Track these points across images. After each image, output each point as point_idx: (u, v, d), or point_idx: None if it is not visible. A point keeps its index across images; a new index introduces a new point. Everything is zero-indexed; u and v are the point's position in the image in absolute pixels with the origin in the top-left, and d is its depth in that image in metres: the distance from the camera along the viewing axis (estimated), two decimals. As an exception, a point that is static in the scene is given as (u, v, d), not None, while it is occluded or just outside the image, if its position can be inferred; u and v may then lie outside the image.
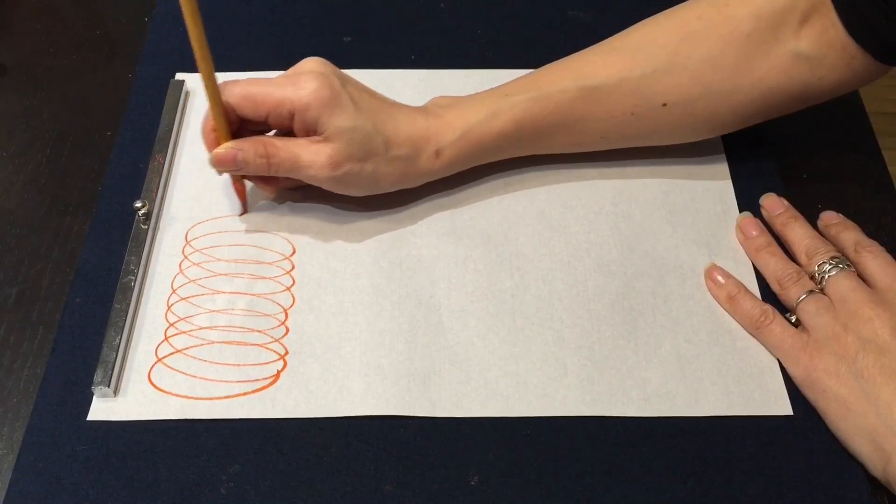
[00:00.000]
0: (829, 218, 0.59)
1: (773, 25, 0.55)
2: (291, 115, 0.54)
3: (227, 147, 0.55)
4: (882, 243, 0.55)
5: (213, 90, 0.53)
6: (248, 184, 0.60)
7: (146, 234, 0.58)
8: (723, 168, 0.63)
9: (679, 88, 0.57)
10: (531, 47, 0.70)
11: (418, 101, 0.61)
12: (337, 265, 0.58)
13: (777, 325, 0.53)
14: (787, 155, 0.64)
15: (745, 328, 0.55)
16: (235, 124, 0.56)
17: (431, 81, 0.68)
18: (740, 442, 0.51)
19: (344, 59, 0.69)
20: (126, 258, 0.56)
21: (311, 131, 0.55)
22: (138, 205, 0.58)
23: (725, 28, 0.56)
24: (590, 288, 0.57)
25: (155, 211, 0.59)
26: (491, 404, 0.52)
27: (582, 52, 0.60)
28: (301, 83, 0.54)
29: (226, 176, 0.61)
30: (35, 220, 0.60)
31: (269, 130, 0.58)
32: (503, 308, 0.56)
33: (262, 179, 0.58)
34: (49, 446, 0.50)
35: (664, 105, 0.58)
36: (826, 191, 0.62)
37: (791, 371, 0.53)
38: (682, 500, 0.49)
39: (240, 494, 0.49)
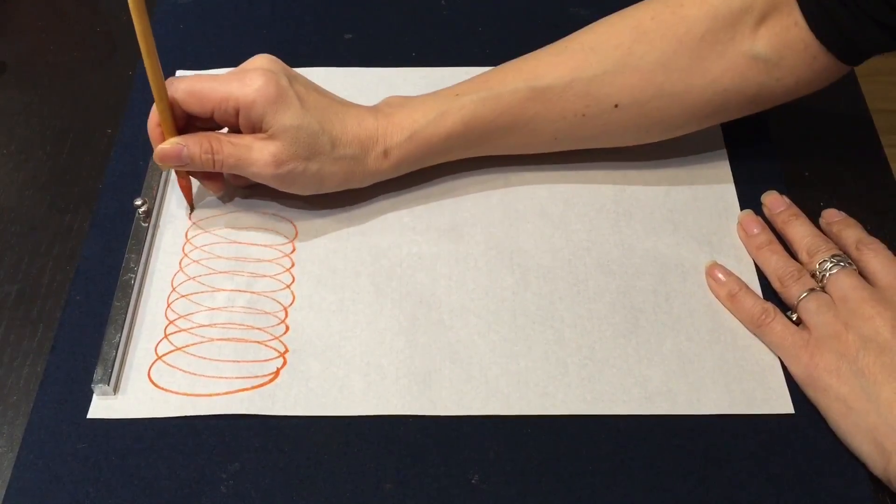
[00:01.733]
0: (830, 216, 0.58)
1: (729, 26, 0.55)
2: (237, 112, 0.54)
3: (172, 142, 0.54)
4: (884, 241, 0.55)
5: (159, 85, 0.53)
6: (196, 183, 0.60)
7: (146, 232, 0.58)
8: (724, 166, 0.63)
9: (631, 89, 0.57)
10: (532, 44, 0.70)
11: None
12: (337, 263, 0.58)
13: (778, 324, 0.53)
14: (788, 153, 0.63)
15: (746, 326, 0.55)
16: (182, 121, 0.55)
17: (432, 79, 0.67)
18: (741, 440, 0.51)
19: (345, 56, 0.70)
20: (126, 256, 0.56)
21: (256, 128, 0.55)
22: (138, 202, 0.58)
23: (680, 28, 0.55)
24: (591, 286, 0.57)
25: (155, 209, 0.59)
26: (492, 403, 0.52)
27: (536, 51, 0.59)
28: (247, 80, 0.53)
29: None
30: (35, 218, 0.60)
31: (219, 129, 0.57)
32: (504, 306, 0.56)
33: (208, 177, 0.58)
34: (49, 444, 0.50)
35: (616, 106, 0.57)
36: (828, 189, 0.62)
37: (792, 369, 0.52)
38: (683, 498, 0.49)
39: (240, 493, 0.49)
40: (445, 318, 0.55)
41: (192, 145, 0.54)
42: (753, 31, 0.55)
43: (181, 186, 0.59)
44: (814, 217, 0.58)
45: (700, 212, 0.60)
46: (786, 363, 0.53)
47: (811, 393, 0.51)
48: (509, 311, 0.55)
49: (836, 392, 0.50)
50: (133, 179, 0.61)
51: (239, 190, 0.60)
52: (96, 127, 0.65)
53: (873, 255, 0.54)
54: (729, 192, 0.61)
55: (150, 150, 0.61)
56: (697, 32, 0.55)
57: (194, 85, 0.54)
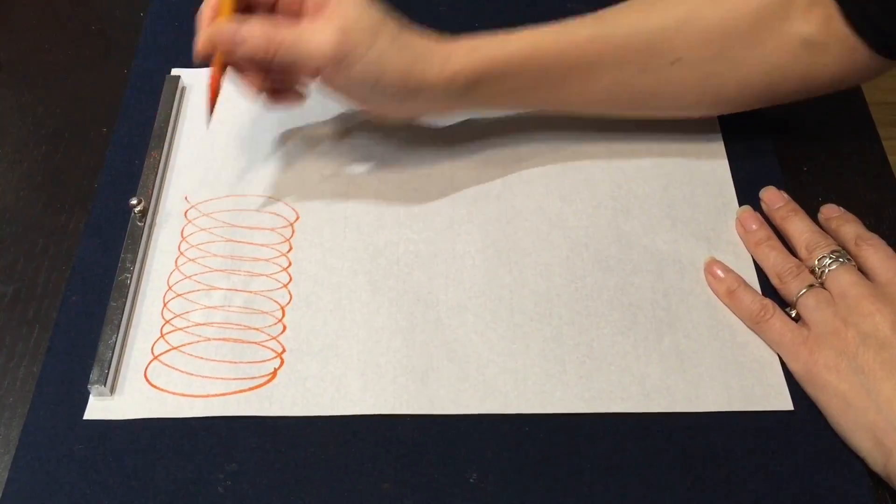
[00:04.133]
0: (829, 211, 0.58)
1: (783, 4, 0.55)
2: None
3: (226, 20, 0.52)
4: (883, 236, 0.55)
5: None
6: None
7: (142, 231, 0.57)
8: (722, 161, 0.62)
9: (691, 46, 0.57)
10: (529, 40, 0.70)
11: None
12: (334, 262, 0.57)
13: (777, 320, 0.53)
14: (786, 147, 0.63)
15: (744, 323, 0.55)
16: (241, 7, 0.53)
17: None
18: (740, 437, 0.50)
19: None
20: (122, 255, 0.56)
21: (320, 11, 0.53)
22: (134, 202, 0.57)
23: None
24: (588, 283, 0.56)
25: (151, 208, 0.59)
26: (489, 401, 0.52)
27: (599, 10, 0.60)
28: None
29: (224, 171, 0.61)
30: (30, 218, 0.60)
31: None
32: (501, 304, 0.55)
33: (252, 69, 0.55)
34: (45, 445, 0.50)
35: (676, 61, 0.57)
36: (826, 184, 0.61)
37: (791, 366, 0.52)
38: (681, 496, 0.49)
39: (237, 493, 0.48)
40: (443, 316, 0.55)
41: (250, 24, 0.52)
42: (805, 13, 0.55)
43: (212, 80, 0.54)
44: (812, 212, 0.58)
45: (698, 208, 0.60)
46: (785, 360, 0.53)
47: (810, 390, 0.51)
48: (507, 308, 0.55)
49: (835, 389, 0.49)
50: (128, 179, 0.60)
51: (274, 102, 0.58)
52: (91, 126, 0.65)
53: (872, 250, 0.54)
54: (727, 188, 0.61)
55: (145, 148, 0.62)
56: (753, 4, 0.56)
57: None
